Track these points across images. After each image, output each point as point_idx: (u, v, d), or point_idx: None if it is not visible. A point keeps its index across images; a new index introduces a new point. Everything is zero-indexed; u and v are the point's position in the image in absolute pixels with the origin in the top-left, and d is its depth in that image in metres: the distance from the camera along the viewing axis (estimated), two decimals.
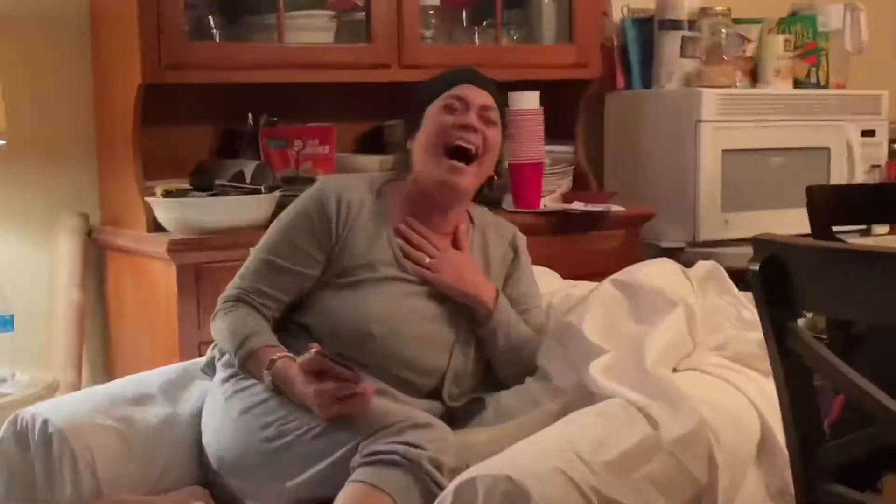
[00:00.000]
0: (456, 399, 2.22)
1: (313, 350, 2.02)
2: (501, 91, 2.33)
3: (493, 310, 2.23)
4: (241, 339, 2.14)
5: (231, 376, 2.18)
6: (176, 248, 2.88)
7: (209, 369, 2.29)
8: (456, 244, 2.29)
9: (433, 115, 2.19)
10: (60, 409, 2.21)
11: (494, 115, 2.21)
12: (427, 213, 2.26)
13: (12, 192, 3.10)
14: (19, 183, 3.10)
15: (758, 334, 1.76)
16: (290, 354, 2.09)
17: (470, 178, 2.20)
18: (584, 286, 2.51)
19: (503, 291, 2.31)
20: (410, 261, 2.22)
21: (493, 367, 2.29)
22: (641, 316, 2.28)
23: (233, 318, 2.18)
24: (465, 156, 2.18)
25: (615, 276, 2.39)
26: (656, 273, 2.38)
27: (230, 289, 2.24)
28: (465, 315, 2.25)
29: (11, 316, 2.81)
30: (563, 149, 3.65)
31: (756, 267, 1.64)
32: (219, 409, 2.16)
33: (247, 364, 2.13)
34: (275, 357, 2.07)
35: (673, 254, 3.58)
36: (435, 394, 2.20)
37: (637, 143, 3.83)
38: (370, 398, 1.95)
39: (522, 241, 2.38)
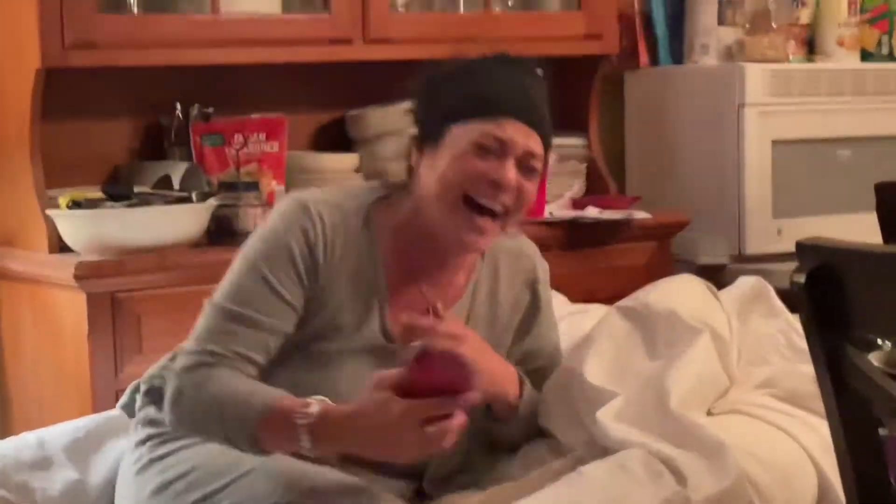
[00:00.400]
0: (438, 485, 2.21)
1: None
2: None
3: (517, 406, 2.20)
4: (244, 401, 1.99)
5: (148, 438, 2.17)
6: (85, 272, 2.90)
7: (127, 411, 2.30)
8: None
9: (460, 149, 2.09)
10: None
11: (538, 164, 2.13)
12: (426, 257, 2.19)
13: None
14: None
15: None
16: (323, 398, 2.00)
17: (493, 237, 2.15)
18: (595, 313, 2.53)
19: (516, 345, 2.28)
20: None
21: (496, 442, 2.28)
22: (657, 349, 2.30)
23: (215, 385, 2.03)
24: (489, 212, 2.11)
25: (622, 301, 2.40)
26: (672, 294, 2.40)
27: (188, 356, 2.08)
28: None
29: None
30: (573, 142, 3.68)
31: (802, 279, 1.65)
32: (130, 484, 2.17)
33: (265, 430, 1.97)
34: (310, 400, 1.96)
35: (714, 272, 3.59)
36: (412, 474, 2.20)
37: (666, 134, 3.85)
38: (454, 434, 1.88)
39: (544, 273, 2.34)
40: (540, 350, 2.32)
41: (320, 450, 1.95)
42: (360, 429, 1.90)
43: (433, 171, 2.11)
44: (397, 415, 1.86)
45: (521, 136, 2.10)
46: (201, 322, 2.11)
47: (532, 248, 2.33)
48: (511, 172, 2.08)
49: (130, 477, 2.16)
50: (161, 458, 2.12)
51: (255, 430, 1.96)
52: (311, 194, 2.18)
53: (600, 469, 2.07)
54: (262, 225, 2.19)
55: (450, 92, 2.16)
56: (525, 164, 2.11)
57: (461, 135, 2.09)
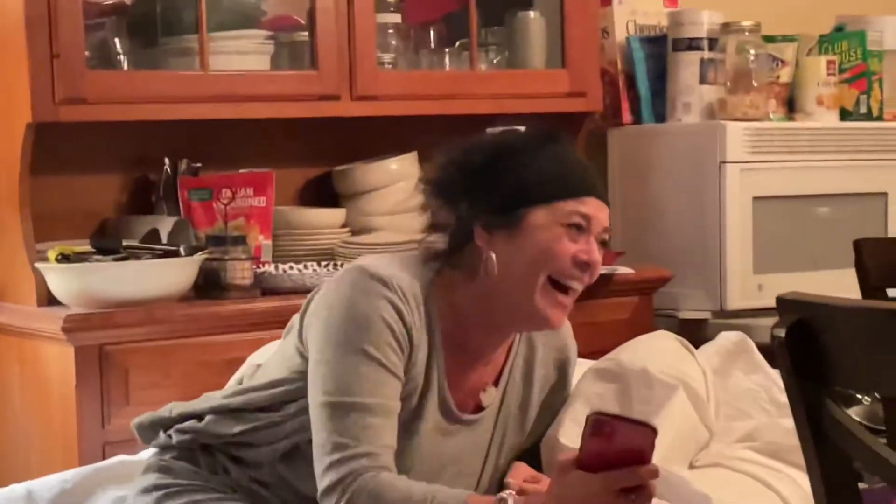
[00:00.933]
0: None
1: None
2: None
3: None
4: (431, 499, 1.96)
5: (155, 488, 2.18)
6: (74, 325, 2.93)
7: (143, 435, 2.27)
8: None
9: (549, 232, 2.07)
10: None
11: (608, 237, 2.15)
12: (483, 339, 2.17)
13: None
14: None
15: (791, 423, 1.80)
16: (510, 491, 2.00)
17: (567, 314, 2.17)
18: (578, 370, 2.55)
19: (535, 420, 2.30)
20: None
21: None
22: (633, 407, 2.32)
23: (391, 494, 1.97)
24: (568, 289, 2.13)
25: (597, 363, 2.43)
26: (645, 351, 2.44)
27: (342, 465, 1.98)
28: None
29: None
30: None
31: (782, 333, 1.68)
32: None
33: None
34: (502, 495, 1.96)
35: (695, 326, 3.63)
36: None
37: (648, 191, 3.89)
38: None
39: (574, 354, 2.34)
40: (543, 427, 2.33)
41: None
42: None
43: (514, 256, 2.07)
44: (598, 488, 1.84)
45: (601, 212, 2.11)
46: (328, 425, 2.01)
47: (567, 327, 2.31)
48: (597, 252, 2.09)
49: None
50: None
51: None
52: (373, 263, 2.11)
53: None
54: (336, 298, 2.08)
55: (526, 170, 2.11)
56: (600, 240, 2.12)
57: (546, 218, 2.07)
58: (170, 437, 2.20)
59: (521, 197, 2.08)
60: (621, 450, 1.82)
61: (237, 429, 2.14)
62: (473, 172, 2.11)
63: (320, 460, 1.99)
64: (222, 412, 2.17)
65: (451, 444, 2.15)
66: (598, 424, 1.82)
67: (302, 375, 2.08)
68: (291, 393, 2.11)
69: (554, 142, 2.15)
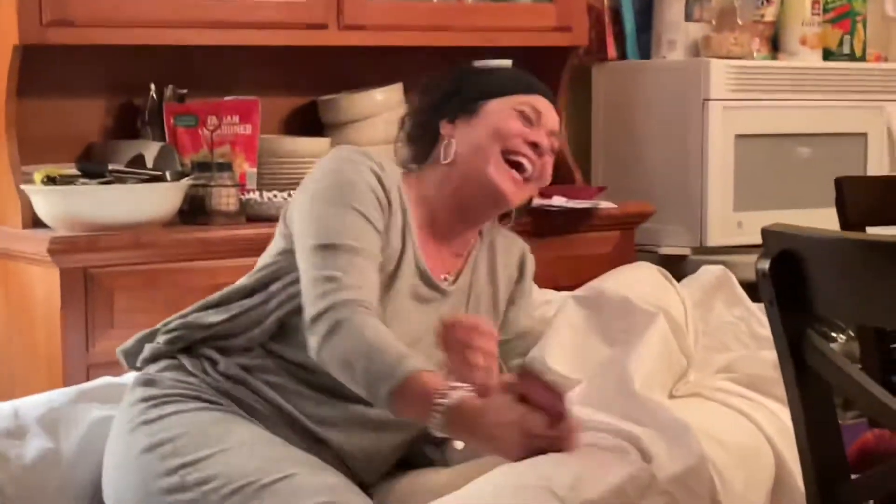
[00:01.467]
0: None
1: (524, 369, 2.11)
2: None
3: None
4: (395, 360, 2.05)
5: (143, 399, 2.24)
6: (59, 247, 2.95)
7: (129, 360, 2.36)
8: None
9: (502, 113, 2.35)
10: None
11: (556, 143, 2.38)
12: (452, 223, 2.37)
13: None
14: None
15: (773, 354, 1.83)
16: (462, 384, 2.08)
17: (523, 197, 2.37)
18: (558, 301, 2.59)
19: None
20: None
21: None
22: (613, 335, 2.41)
23: (371, 333, 2.08)
24: (523, 169, 2.34)
25: (579, 290, 2.51)
26: (626, 280, 2.51)
27: (339, 291, 2.11)
28: None
29: None
30: None
31: (766, 265, 1.70)
32: (121, 442, 2.24)
33: (404, 396, 2.05)
34: (453, 384, 2.04)
35: (675, 262, 3.66)
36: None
37: (631, 127, 3.92)
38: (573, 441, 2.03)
39: (531, 262, 2.51)
40: (518, 329, 2.47)
41: (447, 432, 2.06)
42: (486, 424, 2.02)
43: (471, 136, 2.34)
44: (518, 417, 2.02)
45: (551, 115, 2.38)
46: (318, 263, 2.15)
47: (522, 241, 2.53)
48: (544, 138, 2.34)
49: (121, 435, 2.23)
50: (153, 420, 2.20)
51: (395, 392, 2.04)
52: (360, 149, 2.33)
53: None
54: (321, 174, 2.26)
55: (485, 76, 2.46)
56: (550, 142, 2.37)
57: (500, 105, 2.35)
58: (157, 343, 2.29)
59: (483, 93, 2.37)
60: (541, 403, 2.02)
61: (223, 316, 2.26)
62: (448, 79, 2.43)
63: (309, 296, 2.13)
64: (206, 307, 2.30)
65: (426, 314, 2.27)
66: (523, 374, 2.08)
67: (285, 255, 2.23)
68: (274, 272, 2.25)
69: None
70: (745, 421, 2.31)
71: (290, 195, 3.29)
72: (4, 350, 3.21)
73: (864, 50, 4.13)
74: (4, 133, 3.12)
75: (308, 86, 3.66)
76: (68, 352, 2.97)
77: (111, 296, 3.02)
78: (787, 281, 1.70)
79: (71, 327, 2.97)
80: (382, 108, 3.57)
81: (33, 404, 2.42)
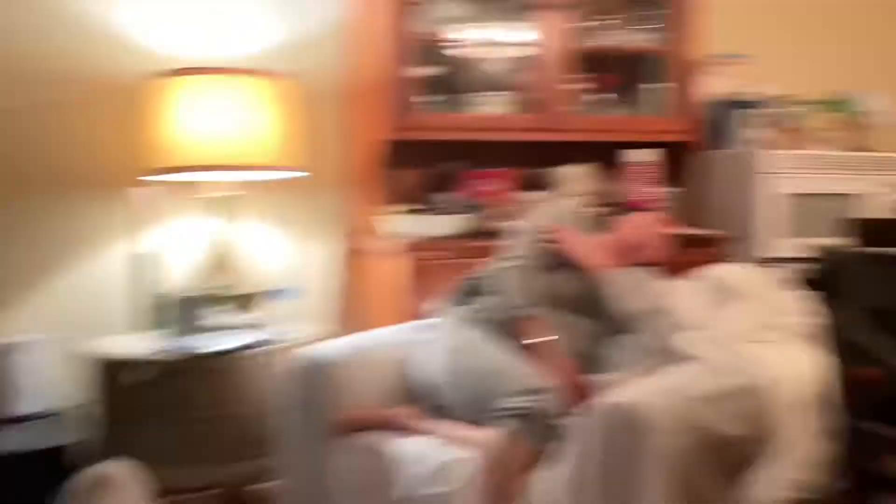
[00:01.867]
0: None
1: None
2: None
3: None
4: None
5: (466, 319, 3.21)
6: (409, 248, 3.87)
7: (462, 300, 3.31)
8: None
9: None
10: (329, 348, 3.26)
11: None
12: None
13: (309, 210, 4.41)
14: (313, 203, 4.36)
15: (816, 319, 2.65)
16: None
17: None
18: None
19: None
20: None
21: None
22: (720, 302, 2.92)
23: None
24: None
25: (701, 272, 3.11)
26: (734, 271, 3.10)
27: None
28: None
29: (299, 288, 4.14)
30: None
31: (818, 269, 2.43)
32: (441, 342, 3.15)
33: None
34: None
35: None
36: None
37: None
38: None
39: None
40: None
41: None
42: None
43: None
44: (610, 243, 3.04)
45: None
46: None
47: None
48: None
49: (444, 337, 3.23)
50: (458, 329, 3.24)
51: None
52: None
53: (691, 366, 2.72)
54: None
55: None
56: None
57: None
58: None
59: None
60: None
61: None
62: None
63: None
64: None
65: None
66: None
67: None
68: None
69: None
70: (798, 355, 2.81)
71: None
72: (373, 312, 4.15)
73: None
74: (381, 188, 4.23)
75: (527, 162, 4.44)
76: (407, 308, 3.78)
77: (433, 278, 3.75)
78: (829, 280, 2.46)
79: (411, 294, 3.80)
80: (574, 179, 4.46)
81: (393, 331, 3.47)
